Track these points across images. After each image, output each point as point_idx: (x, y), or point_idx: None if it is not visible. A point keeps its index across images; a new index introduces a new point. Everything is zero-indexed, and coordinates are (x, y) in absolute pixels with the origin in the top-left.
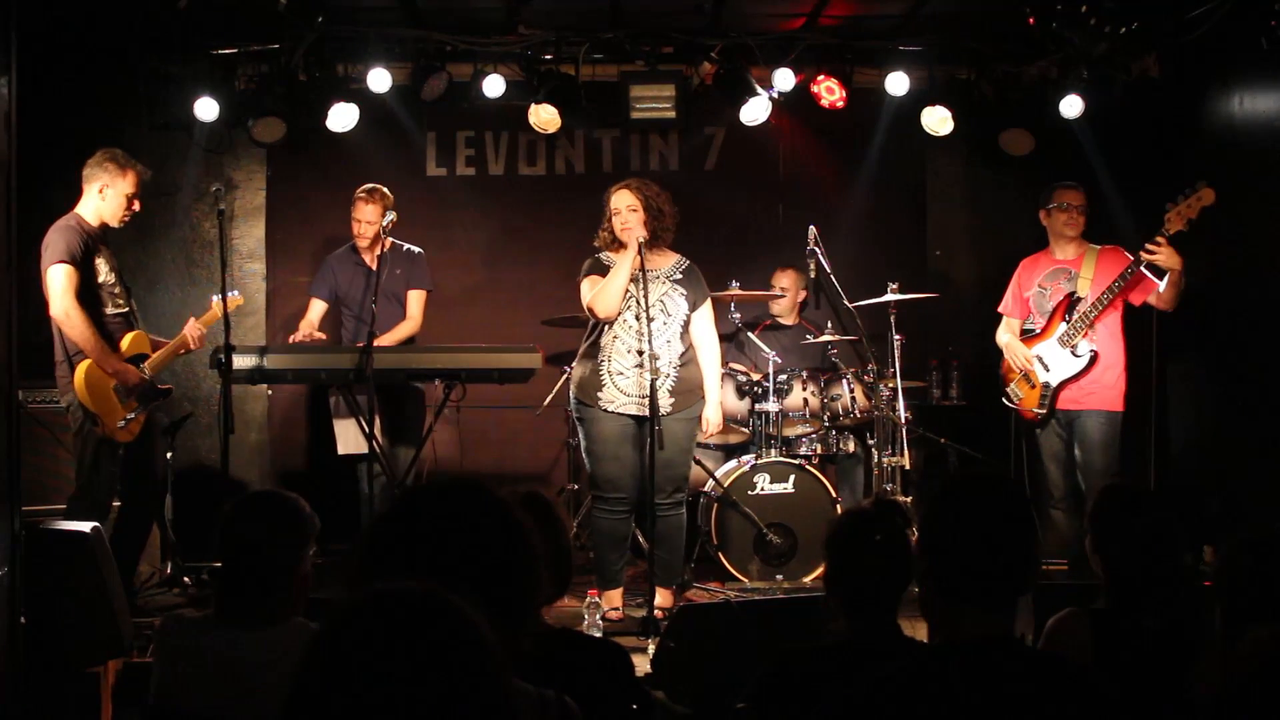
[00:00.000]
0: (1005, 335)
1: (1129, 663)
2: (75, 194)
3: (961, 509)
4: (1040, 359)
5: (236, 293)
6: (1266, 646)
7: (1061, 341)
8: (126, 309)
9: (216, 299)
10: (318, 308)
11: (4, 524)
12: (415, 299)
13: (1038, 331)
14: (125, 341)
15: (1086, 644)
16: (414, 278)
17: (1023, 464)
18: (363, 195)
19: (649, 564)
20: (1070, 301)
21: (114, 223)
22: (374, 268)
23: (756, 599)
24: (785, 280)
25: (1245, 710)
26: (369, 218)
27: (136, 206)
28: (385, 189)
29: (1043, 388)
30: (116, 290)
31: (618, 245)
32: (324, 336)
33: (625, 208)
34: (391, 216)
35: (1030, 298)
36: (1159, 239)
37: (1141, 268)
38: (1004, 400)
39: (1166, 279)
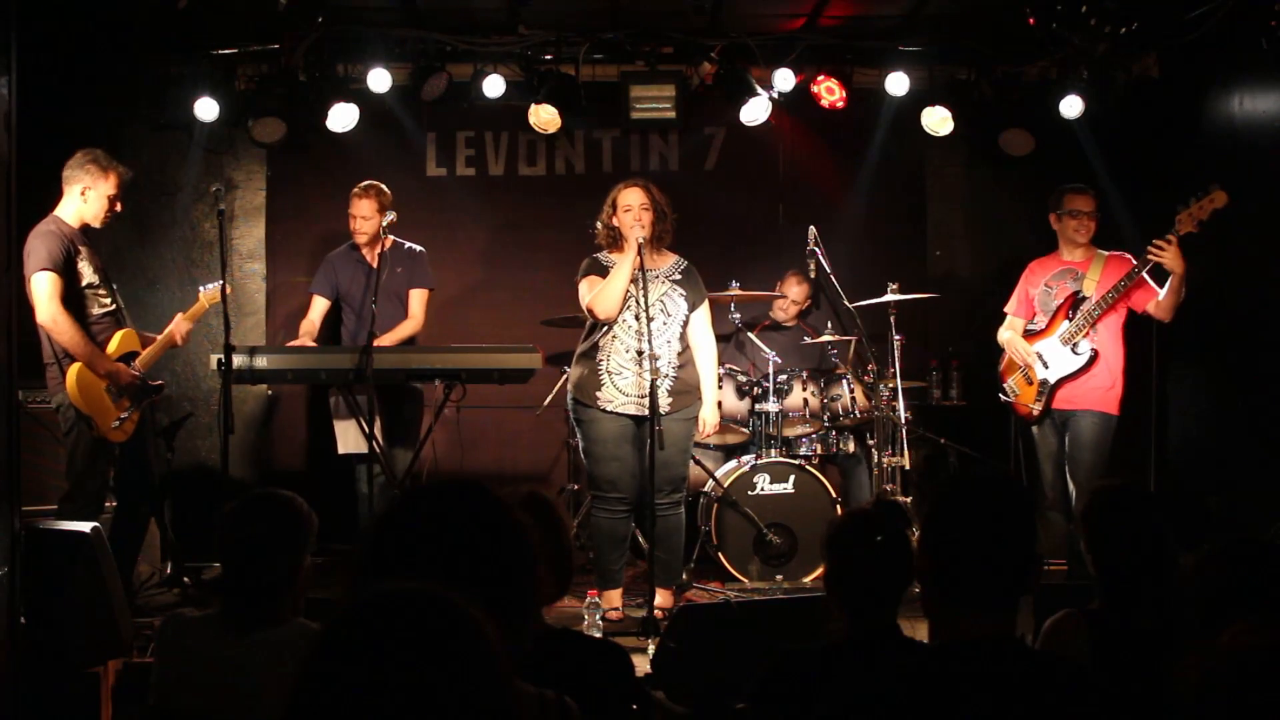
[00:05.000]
0: (1006, 333)
1: (1125, 662)
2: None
3: (963, 509)
4: (1040, 356)
5: (215, 285)
6: (1245, 642)
7: (1063, 339)
8: (113, 307)
9: (203, 290)
10: (319, 305)
11: (4, 524)
12: (417, 298)
13: (1040, 329)
14: (114, 340)
15: (1084, 645)
16: (415, 276)
17: (1022, 464)
18: (357, 191)
19: (649, 564)
20: (1075, 300)
21: (95, 224)
22: (375, 265)
23: (756, 599)
24: (795, 290)
25: (1225, 706)
26: (364, 213)
27: (118, 207)
28: (381, 185)
29: (1040, 384)
30: (101, 290)
31: (616, 245)
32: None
33: (638, 205)
34: (391, 216)
35: (1035, 296)
36: (1169, 237)
37: (1145, 272)
38: (1000, 395)
39: (1167, 285)
